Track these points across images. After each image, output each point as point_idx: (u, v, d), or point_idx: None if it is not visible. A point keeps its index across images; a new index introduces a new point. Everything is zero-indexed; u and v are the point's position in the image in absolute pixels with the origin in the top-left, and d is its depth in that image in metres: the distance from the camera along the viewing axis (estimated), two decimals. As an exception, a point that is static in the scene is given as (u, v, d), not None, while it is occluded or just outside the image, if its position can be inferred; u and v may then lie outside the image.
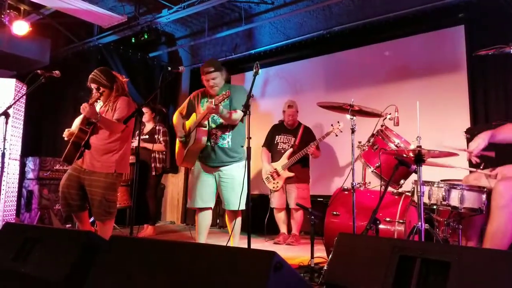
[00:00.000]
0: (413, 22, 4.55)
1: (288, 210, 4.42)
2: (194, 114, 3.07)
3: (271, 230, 4.55)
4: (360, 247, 1.52)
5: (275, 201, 4.37)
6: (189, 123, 3.10)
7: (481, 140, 2.26)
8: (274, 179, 4.34)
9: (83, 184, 2.90)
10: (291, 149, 4.30)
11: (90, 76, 3.01)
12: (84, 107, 2.78)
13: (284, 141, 4.44)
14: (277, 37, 5.66)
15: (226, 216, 3.12)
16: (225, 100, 2.82)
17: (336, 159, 5.00)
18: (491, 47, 2.02)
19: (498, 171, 2.12)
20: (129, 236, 2.47)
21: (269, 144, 4.55)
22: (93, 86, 2.99)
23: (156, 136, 4.74)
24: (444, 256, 1.29)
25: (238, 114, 2.95)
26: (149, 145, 4.61)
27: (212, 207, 3.10)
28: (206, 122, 2.99)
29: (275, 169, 4.34)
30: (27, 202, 4.72)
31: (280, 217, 4.42)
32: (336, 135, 4.04)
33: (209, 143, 2.99)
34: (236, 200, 2.92)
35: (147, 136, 4.73)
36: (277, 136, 4.50)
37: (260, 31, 5.70)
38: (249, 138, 2.44)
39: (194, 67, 6.54)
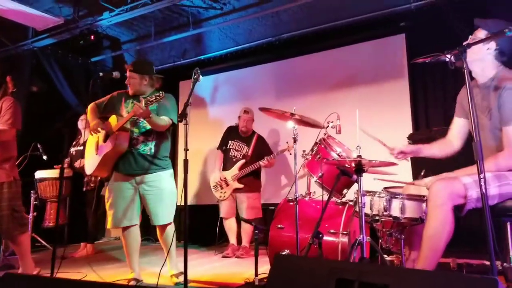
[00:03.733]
0: (359, 30, 4.63)
1: (238, 220, 4.27)
2: (114, 116, 2.80)
3: (225, 241, 4.40)
4: (297, 269, 1.42)
5: (224, 209, 4.20)
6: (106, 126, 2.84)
7: (403, 147, 2.34)
8: (222, 188, 4.17)
9: None
10: (243, 160, 4.16)
11: None
12: None
13: (237, 149, 4.29)
14: (226, 43, 5.57)
15: (158, 232, 2.89)
16: (154, 103, 2.62)
17: (288, 166, 4.95)
18: (427, 55, 2.02)
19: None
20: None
21: (223, 147, 4.38)
22: None
23: None
24: (381, 278, 1.21)
25: (165, 121, 2.76)
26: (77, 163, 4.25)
27: (138, 223, 2.84)
28: (128, 126, 2.75)
29: (225, 178, 4.18)
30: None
31: (229, 226, 4.24)
32: (290, 153, 3.98)
33: (129, 149, 2.73)
34: (165, 212, 2.73)
35: (81, 148, 4.38)
36: (230, 141, 4.34)
37: (209, 36, 5.58)
38: (186, 149, 2.27)
39: (140, 73, 6.25)
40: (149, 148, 2.78)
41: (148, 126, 2.77)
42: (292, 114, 2.50)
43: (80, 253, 4.33)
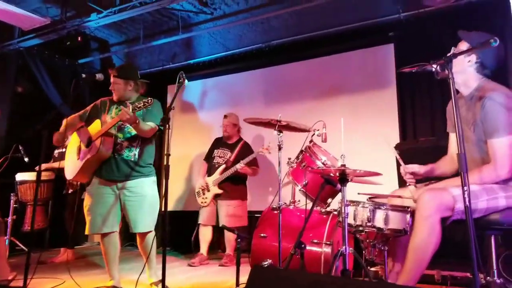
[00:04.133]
0: (348, 39, 4.63)
1: (217, 229, 4.19)
2: (98, 121, 2.73)
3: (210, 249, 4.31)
4: (275, 282, 1.36)
5: (204, 216, 4.11)
6: (90, 130, 2.77)
7: (418, 168, 2.29)
8: (203, 194, 4.13)
9: None
10: (224, 165, 4.11)
11: None
12: None
13: (220, 155, 4.25)
14: (216, 48, 5.55)
15: (137, 240, 2.81)
16: (141, 110, 2.57)
17: (275, 174, 4.91)
18: (413, 64, 2.00)
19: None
20: None
21: (208, 157, 4.37)
22: None
23: None
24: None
25: (151, 126, 2.70)
26: (55, 164, 4.18)
27: (118, 230, 2.77)
28: (113, 131, 2.69)
29: (207, 183, 4.13)
30: None
31: (204, 234, 4.11)
32: (265, 155, 3.96)
33: (112, 154, 2.67)
34: (146, 220, 2.65)
35: (63, 150, 4.30)
36: (215, 150, 4.32)
37: (199, 41, 5.55)
38: (167, 155, 2.21)
39: (129, 76, 6.21)
40: (133, 153, 2.72)
41: (133, 132, 2.71)
42: (278, 121, 2.46)
43: (60, 258, 4.22)
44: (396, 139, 4.10)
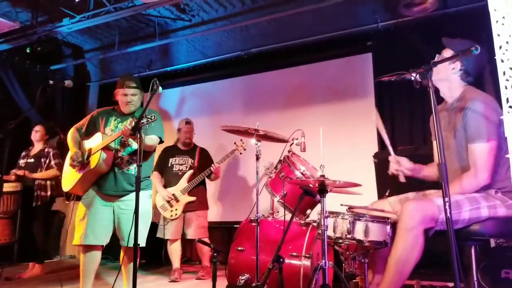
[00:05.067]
0: (327, 48, 4.65)
1: (187, 240, 3.99)
2: (99, 134, 2.65)
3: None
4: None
5: (171, 230, 3.82)
6: (90, 143, 2.70)
7: (408, 163, 2.26)
8: (172, 206, 3.82)
9: None
10: (191, 171, 3.90)
11: None
12: None
13: (180, 163, 4.02)
14: (194, 56, 5.47)
15: (123, 253, 2.69)
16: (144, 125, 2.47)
17: (253, 184, 4.83)
18: (392, 73, 1.97)
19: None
20: None
21: (162, 167, 4.04)
22: None
23: (43, 160, 4.11)
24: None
25: (153, 140, 2.66)
26: (39, 175, 4.02)
27: (104, 246, 2.67)
28: (113, 146, 2.62)
29: (173, 194, 3.85)
30: None
31: (175, 249, 3.86)
32: (241, 153, 3.85)
33: (111, 168, 2.61)
34: (138, 234, 2.55)
35: (32, 160, 4.10)
36: (171, 159, 4.05)
37: (177, 48, 5.46)
38: (139, 165, 2.10)
39: (104, 83, 6.06)
40: (133, 167, 2.66)
41: (134, 146, 2.65)
42: (256, 130, 2.39)
43: (29, 274, 4.00)
44: (374, 148, 4.09)
